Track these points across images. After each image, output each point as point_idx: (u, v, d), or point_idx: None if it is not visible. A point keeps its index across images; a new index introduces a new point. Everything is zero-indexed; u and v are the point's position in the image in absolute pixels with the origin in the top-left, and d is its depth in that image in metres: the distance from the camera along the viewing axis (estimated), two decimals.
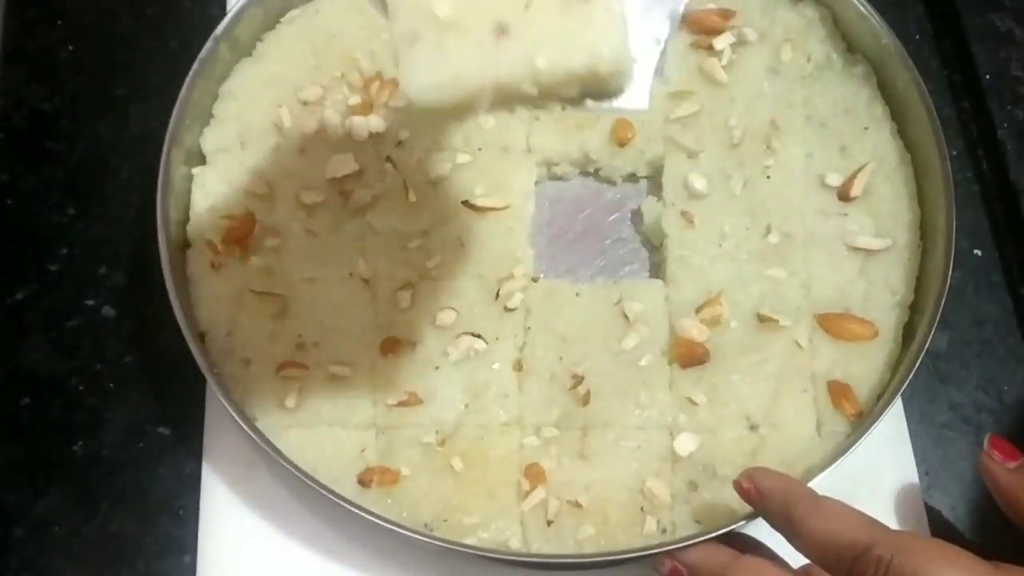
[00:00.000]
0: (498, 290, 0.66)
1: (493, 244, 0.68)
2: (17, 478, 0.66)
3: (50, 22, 0.78)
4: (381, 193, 0.68)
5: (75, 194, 0.73)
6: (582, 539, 0.62)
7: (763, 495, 0.57)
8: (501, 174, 0.69)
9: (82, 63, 0.77)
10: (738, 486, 0.58)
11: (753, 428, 0.65)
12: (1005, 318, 0.73)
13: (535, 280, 0.68)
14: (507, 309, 0.66)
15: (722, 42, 0.72)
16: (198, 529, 0.65)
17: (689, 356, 0.65)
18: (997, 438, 0.61)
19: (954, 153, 0.76)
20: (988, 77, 0.77)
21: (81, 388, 0.69)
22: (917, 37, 0.80)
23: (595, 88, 0.46)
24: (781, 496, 0.56)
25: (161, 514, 0.66)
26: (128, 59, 0.77)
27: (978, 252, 0.74)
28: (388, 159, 0.69)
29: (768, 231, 0.68)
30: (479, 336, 0.65)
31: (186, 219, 0.67)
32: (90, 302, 0.71)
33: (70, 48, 0.77)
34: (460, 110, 0.46)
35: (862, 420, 0.64)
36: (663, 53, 0.72)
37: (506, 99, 0.46)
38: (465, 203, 0.68)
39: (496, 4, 0.45)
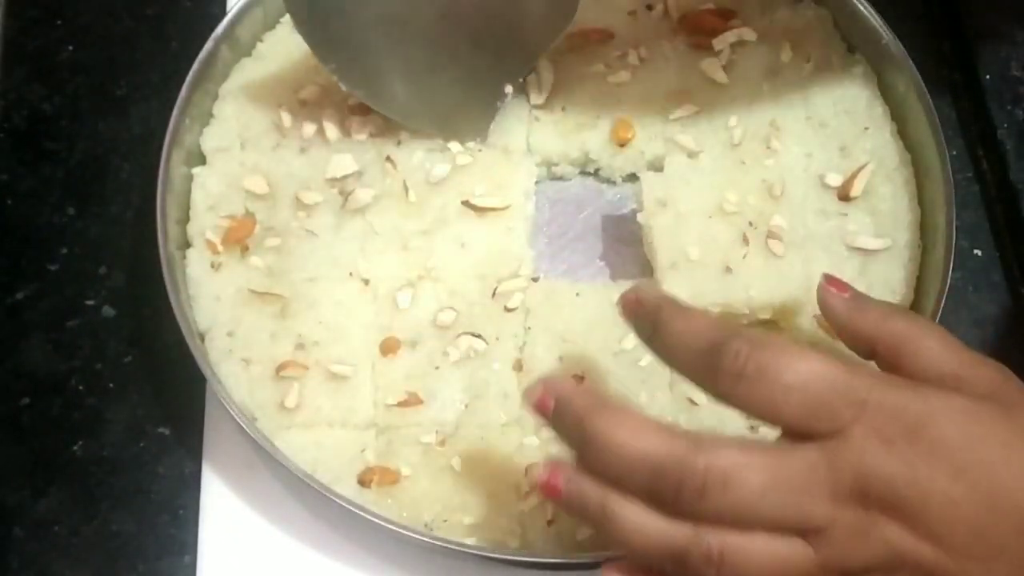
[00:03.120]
0: (495, 288, 0.66)
1: (493, 244, 0.68)
2: (17, 478, 0.66)
3: (50, 22, 0.78)
4: (381, 193, 0.68)
5: (75, 194, 0.73)
6: (582, 539, 0.62)
7: (641, 302, 0.54)
8: (501, 174, 0.69)
9: (82, 63, 0.77)
10: (626, 300, 0.55)
11: (753, 428, 0.64)
12: (1005, 318, 0.73)
13: (535, 280, 0.68)
14: (507, 309, 0.66)
15: (721, 42, 0.72)
16: (198, 529, 0.65)
17: None
18: (830, 276, 0.59)
19: (954, 153, 0.76)
20: (988, 77, 0.77)
21: (81, 388, 0.69)
22: (917, 37, 0.80)
23: (784, 318, 0.66)
24: (653, 302, 0.53)
25: (161, 514, 0.66)
26: (128, 59, 0.77)
27: (978, 252, 0.74)
28: (388, 159, 0.69)
29: None
30: (479, 336, 0.65)
31: (186, 219, 0.67)
32: (90, 302, 0.71)
33: (70, 48, 0.77)
34: None
35: None
36: None
37: (729, 317, 0.66)
38: (465, 203, 0.68)
39: (725, 252, 0.66)
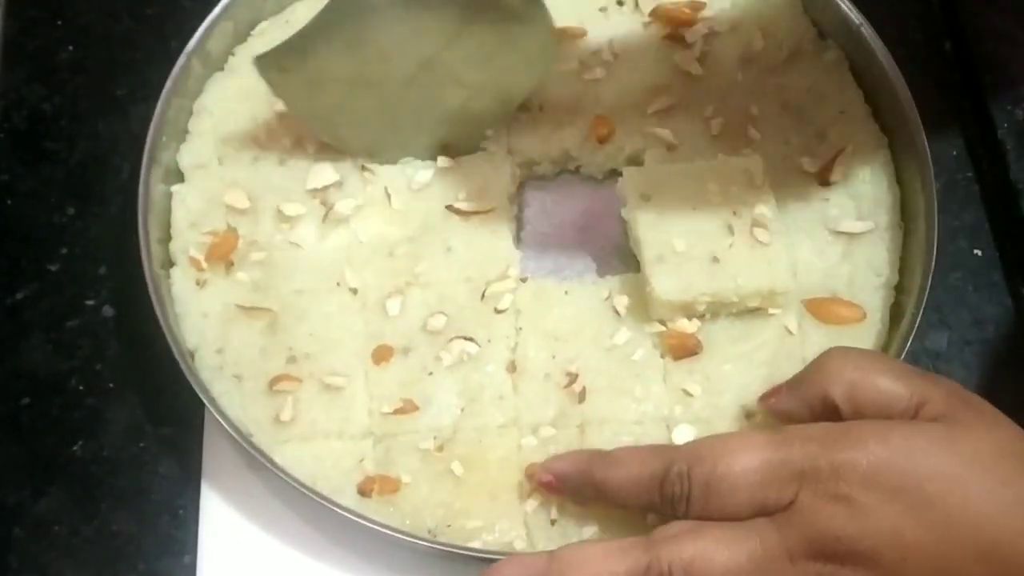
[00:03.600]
0: (484, 290, 0.66)
1: (480, 248, 0.68)
2: (17, 478, 0.66)
3: (50, 22, 0.78)
4: (364, 202, 0.68)
5: (75, 194, 0.73)
6: (586, 537, 0.61)
7: (563, 478, 0.59)
8: (482, 178, 0.69)
9: (82, 63, 0.77)
10: (538, 484, 0.60)
11: (749, 416, 0.65)
12: (1005, 318, 0.73)
13: (523, 280, 0.68)
14: (497, 311, 0.66)
15: (693, 34, 0.72)
16: (198, 529, 0.65)
17: (681, 348, 0.66)
18: (764, 394, 0.62)
19: (954, 153, 0.76)
20: (988, 77, 0.77)
21: (81, 388, 0.69)
22: (917, 37, 0.80)
23: (773, 304, 0.66)
24: (578, 469, 0.58)
25: (161, 514, 0.66)
26: (128, 59, 0.77)
27: (978, 252, 0.74)
28: (364, 168, 0.69)
29: None
30: (471, 339, 0.65)
31: (168, 238, 0.67)
32: (90, 302, 0.71)
33: (70, 48, 0.78)
34: (686, 309, 0.66)
35: None
36: None
37: (719, 306, 0.66)
38: (449, 208, 0.68)
39: (710, 243, 0.66)
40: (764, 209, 0.66)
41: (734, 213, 0.66)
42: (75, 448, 0.67)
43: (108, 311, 0.71)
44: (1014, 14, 0.78)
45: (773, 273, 0.65)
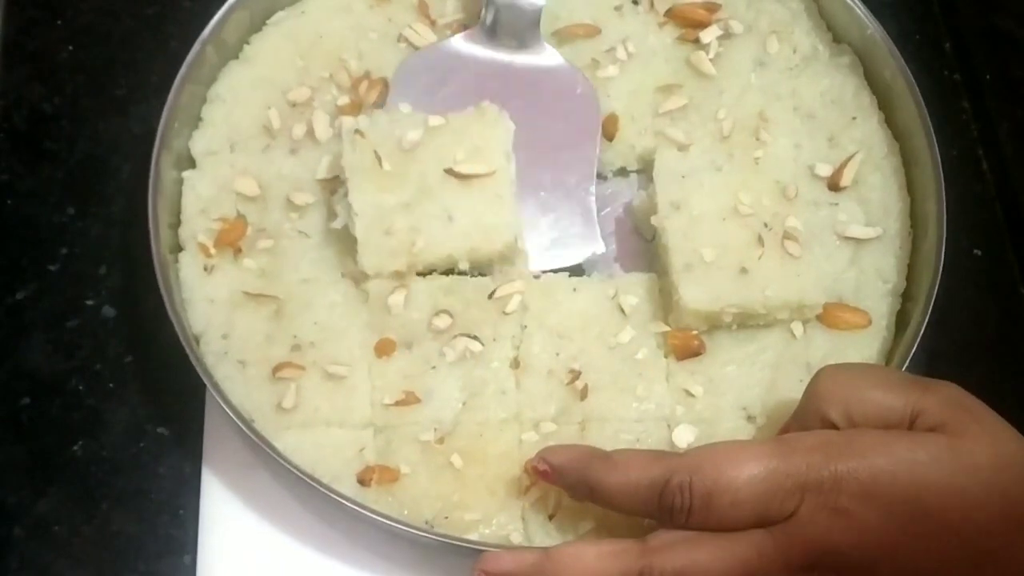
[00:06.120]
0: (494, 291, 0.66)
1: (482, 215, 0.66)
2: (17, 478, 0.66)
3: (50, 22, 0.78)
4: (357, 165, 0.66)
5: (75, 194, 0.73)
6: (583, 532, 0.61)
7: (559, 471, 0.58)
8: (478, 135, 0.67)
9: (82, 63, 0.77)
10: (532, 470, 0.59)
11: (750, 419, 0.65)
12: (1005, 318, 0.73)
13: (536, 278, 0.67)
14: (505, 313, 0.66)
15: (708, 35, 0.72)
16: (198, 529, 0.65)
17: (685, 348, 0.66)
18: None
19: (954, 153, 0.76)
20: (988, 77, 0.77)
21: (81, 388, 0.69)
22: (917, 37, 0.80)
23: (801, 316, 0.66)
24: (575, 466, 0.57)
25: (161, 514, 0.66)
26: (128, 59, 0.77)
27: (978, 252, 0.74)
28: (357, 131, 0.66)
29: None
30: (475, 338, 0.65)
31: (178, 223, 0.67)
32: (90, 302, 0.71)
33: (70, 48, 0.78)
34: (712, 318, 0.65)
35: None
36: None
37: (746, 318, 0.66)
38: (448, 171, 0.66)
39: (740, 254, 0.65)
40: (796, 222, 0.66)
41: (765, 225, 0.66)
42: (75, 448, 0.67)
43: (108, 311, 0.71)
44: (1014, 14, 0.78)
45: (802, 286, 0.65)
